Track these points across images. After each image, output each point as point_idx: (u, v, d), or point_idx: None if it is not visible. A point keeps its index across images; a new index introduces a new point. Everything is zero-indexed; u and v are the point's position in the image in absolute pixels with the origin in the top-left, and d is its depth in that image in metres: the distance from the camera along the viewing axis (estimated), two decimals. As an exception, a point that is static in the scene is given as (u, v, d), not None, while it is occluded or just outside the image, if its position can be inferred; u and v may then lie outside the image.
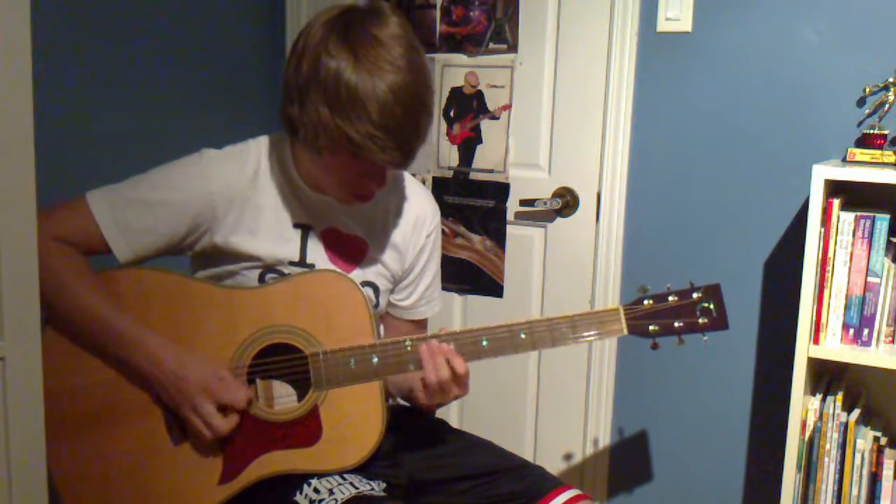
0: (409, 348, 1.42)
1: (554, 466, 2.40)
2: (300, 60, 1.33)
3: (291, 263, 1.47)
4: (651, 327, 1.42)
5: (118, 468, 1.41)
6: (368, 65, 1.28)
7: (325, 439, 1.41)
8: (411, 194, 1.60)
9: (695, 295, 1.43)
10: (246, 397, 1.39)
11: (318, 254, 1.49)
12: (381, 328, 1.63)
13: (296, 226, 1.48)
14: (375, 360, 1.41)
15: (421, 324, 1.67)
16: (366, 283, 1.52)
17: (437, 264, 1.67)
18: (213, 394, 1.37)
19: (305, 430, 1.41)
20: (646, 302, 1.43)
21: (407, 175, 1.63)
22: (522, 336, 1.42)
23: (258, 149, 1.49)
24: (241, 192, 1.45)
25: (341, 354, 1.41)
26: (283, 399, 1.44)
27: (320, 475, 1.41)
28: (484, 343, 1.41)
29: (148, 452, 1.41)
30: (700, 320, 1.42)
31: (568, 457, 2.41)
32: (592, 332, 1.43)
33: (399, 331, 1.60)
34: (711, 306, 1.43)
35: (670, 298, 1.43)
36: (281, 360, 1.43)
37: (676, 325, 1.43)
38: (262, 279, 1.46)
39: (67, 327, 1.39)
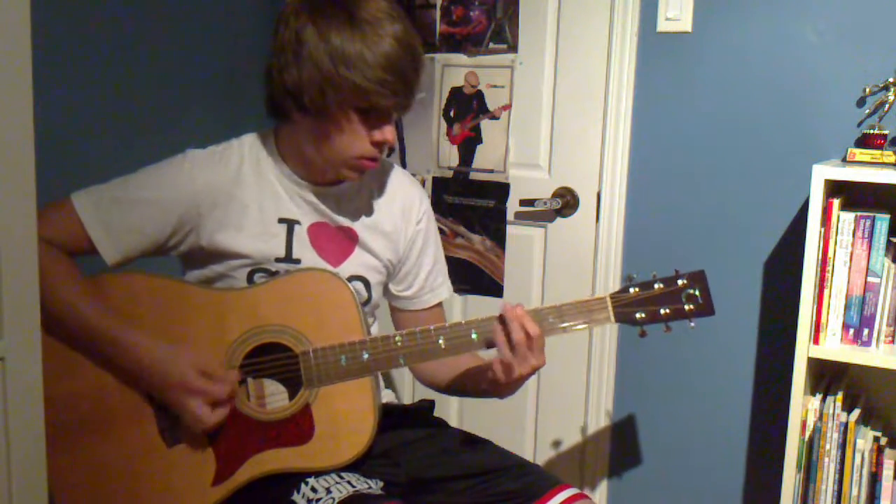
0: (398, 343, 1.42)
1: (553, 460, 2.41)
2: (297, 25, 1.36)
3: (277, 259, 1.48)
4: (638, 315, 1.42)
5: (112, 472, 1.41)
6: (366, 16, 1.35)
7: (318, 437, 1.41)
8: (396, 182, 1.61)
9: (680, 282, 1.43)
10: (229, 389, 1.38)
11: (304, 248, 1.49)
12: (375, 325, 1.64)
13: (280, 221, 1.49)
14: (366, 356, 1.41)
15: (434, 311, 1.66)
16: (355, 278, 1.52)
17: (436, 251, 1.66)
18: (195, 390, 1.36)
19: (298, 428, 1.41)
20: (632, 290, 1.43)
21: (390, 163, 1.64)
22: None
23: (241, 146, 1.51)
24: (224, 190, 1.46)
25: (331, 352, 1.41)
26: (275, 398, 1.44)
27: (315, 473, 1.42)
28: (473, 336, 1.42)
29: (141, 455, 1.41)
30: (686, 307, 1.42)
31: (567, 450, 2.41)
32: (580, 321, 1.43)
33: (415, 323, 1.58)
34: (697, 293, 1.43)
35: (656, 286, 1.43)
36: (271, 360, 1.43)
37: (662, 312, 1.43)
38: (250, 279, 1.47)
39: (55, 328, 1.38)
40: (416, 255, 1.62)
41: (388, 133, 1.43)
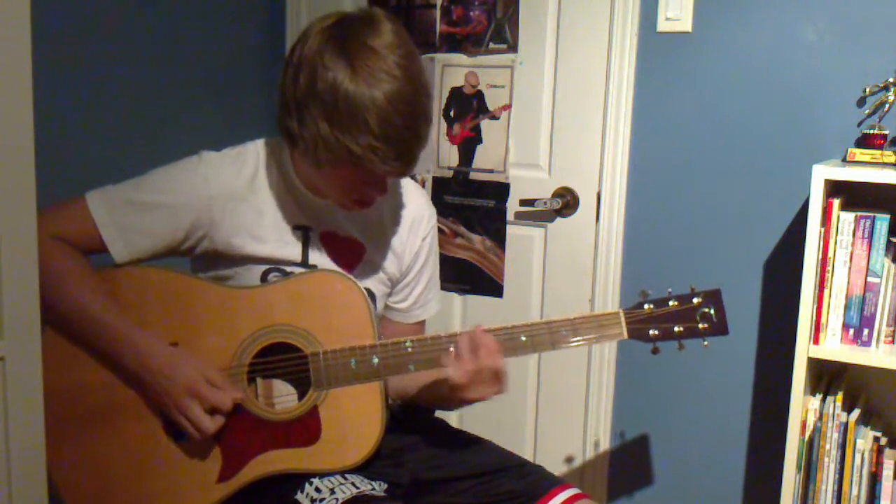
0: (409, 349, 1.41)
1: (554, 468, 2.38)
2: (297, 73, 1.33)
3: (294, 264, 1.48)
4: (651, 332, 1.42)
5: (117, 467, 1.41)
6: (365, 75, 1.28)
7: (325, 439, 1.41)
8: (408, 197, 1.60)
9: (695, 300, 1.42)
10: (231, 400, 1.38)
11: (319, 256, 1.49)
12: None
13: (296, 228, 1.49)
14: (376, 360, 1.41)
15: (418, 326, 1.66)
16: None
17: (434, 268, 1.66)
18: (199, 395, 1.36)
19: (305, 429, 1.41)
20: (646, 306, 1.42)
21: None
22: (523, 338, 1.41)
23: (256, 151, 1.49)
24: (239, 194, 1.45)
25: (341, 354, 1.41)
26: (284, 398, 1.44)
27: (320, 475, 1.42)
28: None
29: (147, 451, 1.41)
30: (700, 325, 1.42)
31: (568, 458, 2.40)
32: (592, 336, 1.42)
33: (396, 333, 1.58)
34: (712, 311, 1.42)
35: (671, 303, 1.42)
36: (281, 360, 1.42)
37: (677, 329, 1.42)
38: (264, 279, 1.47)
39: (63, 325, 1.39)
40: (418, 269, 1.62)
41: (379, 189, 1.41)
